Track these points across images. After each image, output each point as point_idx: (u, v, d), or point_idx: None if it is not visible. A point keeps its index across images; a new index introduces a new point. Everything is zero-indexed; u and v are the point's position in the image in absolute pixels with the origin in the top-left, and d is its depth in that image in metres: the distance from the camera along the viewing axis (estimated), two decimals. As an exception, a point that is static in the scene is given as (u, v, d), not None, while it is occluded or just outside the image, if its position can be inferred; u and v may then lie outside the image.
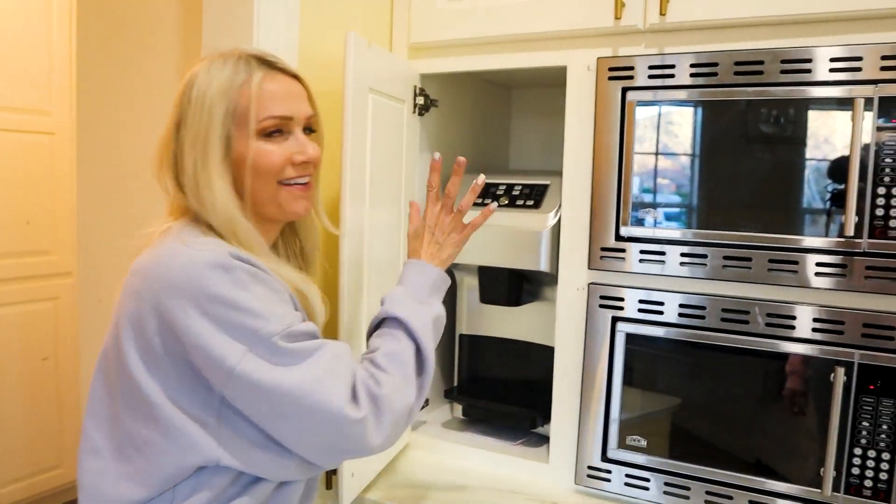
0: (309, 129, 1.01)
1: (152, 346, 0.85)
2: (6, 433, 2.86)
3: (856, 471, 1.14)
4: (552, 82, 1.51)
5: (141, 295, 0.86)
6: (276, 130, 0.96)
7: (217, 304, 0.82)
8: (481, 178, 1.16)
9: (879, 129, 1.09)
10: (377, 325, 1.03)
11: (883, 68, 1.09)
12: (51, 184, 2.93)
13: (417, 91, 1.48)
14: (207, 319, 0.82)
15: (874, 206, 1.10)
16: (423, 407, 1.55)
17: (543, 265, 1.41)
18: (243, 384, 0.83)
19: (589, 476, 1.34)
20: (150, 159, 1.07)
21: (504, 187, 1.51)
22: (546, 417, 1.44)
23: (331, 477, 1.29)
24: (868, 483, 1.14)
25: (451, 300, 1.17)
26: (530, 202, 1.46)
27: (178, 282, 0.83)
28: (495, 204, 1.18)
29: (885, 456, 1.12)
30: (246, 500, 0.89)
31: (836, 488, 1.15)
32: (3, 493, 2.88)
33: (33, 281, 2.92)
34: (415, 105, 1.47)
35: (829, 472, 1.15)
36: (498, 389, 1.62)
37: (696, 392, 1.27)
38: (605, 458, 1.33)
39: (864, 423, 1.13)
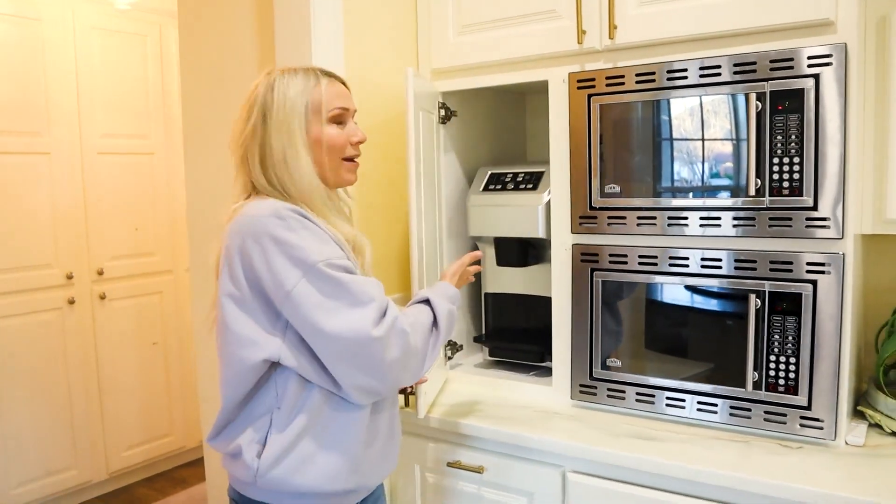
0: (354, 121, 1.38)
1: (238, 279, 1.21)
2: (125, 407, 3.43)
3: (772, 372, 1.52)
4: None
5: (229, 246, 1.23)
6: (339, 118, 1.33)
7: (275, 241, 1.18)
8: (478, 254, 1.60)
9: (771, 114, 1.46)
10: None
11: (772, 68, 1.46)
12: (152, 195, 3.49)
13: (439, 105, 1.91)
14: (271, 253, 1.18)
15: (771, 170, 1.47)
16: (455, 352, 1.98)
17: (541, 232, 1.82)
18: (295, 305, 1.17)
19: (581, 392, 1.75)
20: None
21: (511, 175, 1.92)
22: (551, 353, 1.85)
23: (408, 398, 1.74)
24: (781, 380, 1.51)
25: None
26: (530, 185, 1.87)
27: (250, 228, 1.20)
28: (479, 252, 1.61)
29: (792, 360, 1.49)
30: (308, 413, 1.25)
31: (757, 387, 1.53)
32: (124, 457, 3.45)
33: (142, 278, 3.49)
34: (439, 116, 1.90)
35: (750, 375, 1.53)
36: (515, 334, 2.04)
37: (654, 321, 1.66)
38: (591, 378, 1.73)
39: (776, 337, 1.51)
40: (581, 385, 1.75)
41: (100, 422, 3.33)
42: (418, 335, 1.28)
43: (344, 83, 1.39)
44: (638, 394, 1.68)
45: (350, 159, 1.36)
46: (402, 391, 1.71)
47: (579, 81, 1.68)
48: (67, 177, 3.16)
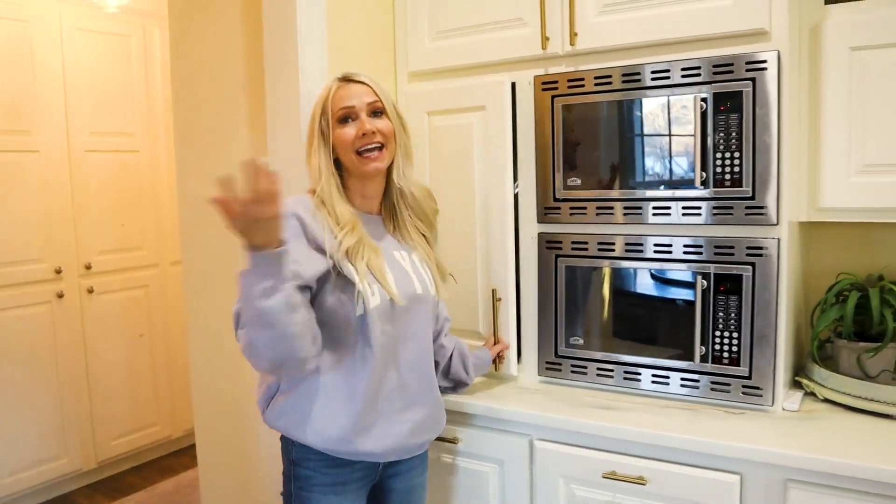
0: (378, 112, 1.52)
1: None
2: (113, 397, 3.54)
3: (717, 346, 1.68)
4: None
5: None
6: (346, 117, 1.49)
7: None
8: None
9: (713, 113, 1.62)
10: None
11: (715, 73, 1.62)
12: (138, 191, 3.60)
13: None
14: None
15: (715, 164, 1.64)
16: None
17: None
18: None
19: (547, 368, 1.91)
20: (232, 166, 1.66)
21: (482, 170, 2.07)
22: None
23: (497, 365, 1.92)
24: (725, 353, 1.68)
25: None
26: (500, 180, 2.02)
27: None
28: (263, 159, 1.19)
29: (735, 335, 1.66)
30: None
31: (704, 360, 1.70)
32: (112, 446, 3.55)
33: (129, 272, 3.59)
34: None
35: (697, 349, 1.69)
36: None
37: (613, 302, 1.82)
38: (556, 355, 1.89)
39: (720, 314, 1.67)
40: (547, 362, 1.91)
41: (88, 412, 3.43)
42: (237, 335, 1.37)
43: (363, 82, 1.53)
44: (598, 369, 1.84)
45: (360, 151, 1.50)
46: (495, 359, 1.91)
47: (543, 84, 1.83)
48: (56, 174, 3.25)
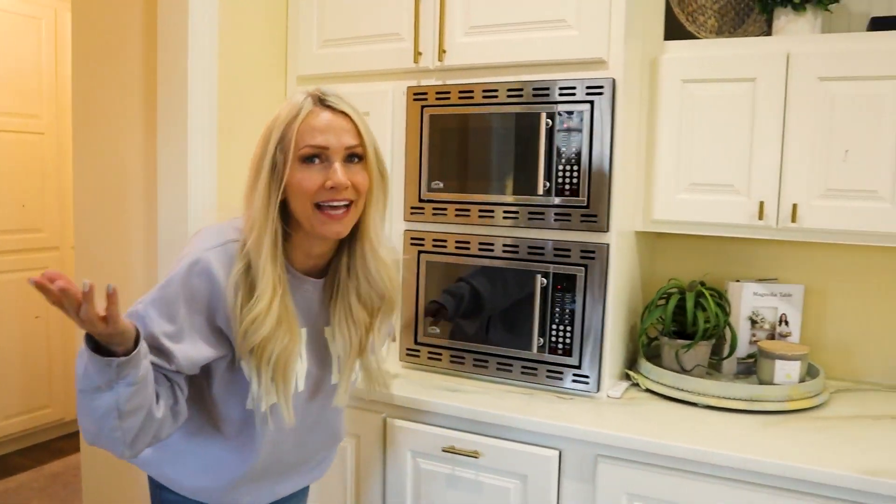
0: (356, 158, 1.18)
1: None
2: (5, 377, 3.54)
3: (553, 338, 1.88)
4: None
5: None
6: (313, 157, 1.13)
7: (167, 279, 1.17)
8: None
9: (558, 130, 1.82)
10: None
11: (560, 94, 1.82)
12: (41, 174, 3.62)
13: (301, 105, 2.19)
14: (165, 279, 1.18)
15: (557, 175, 1.83)
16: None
17: (383, 221, 2.13)
18: None
19: (407, 355, 2.08)
20: (129, 153, 1.75)
21: (362, 170, 2.23)
22: (388, 323, 2.16)
23: None
24: (560, 345, 1.87)
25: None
26: (377, 179, 2.18)
27: (185, 249, 1.22)
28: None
29: (569, 329, 1.86)
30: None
31: (541, 350, 1.89)
32: (2, 426, 3.55)
33: (27, 253, 3.60)
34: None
35: (536, 340, 1.88)
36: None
37: (466, 296, 2.00)
38: (416, 343, 2.06)
39: (557, 309, 1.87)
40: (408, 349, 2.07)
41: (-24, 391, 3.43)
42: None
43: (344, 113, 1.19)
44: (452, 356, 2.02)
45: (321, 206, 1.16)
46: None
47: (415, 94, 2.00)
48: (-46, 151, 3.26)
